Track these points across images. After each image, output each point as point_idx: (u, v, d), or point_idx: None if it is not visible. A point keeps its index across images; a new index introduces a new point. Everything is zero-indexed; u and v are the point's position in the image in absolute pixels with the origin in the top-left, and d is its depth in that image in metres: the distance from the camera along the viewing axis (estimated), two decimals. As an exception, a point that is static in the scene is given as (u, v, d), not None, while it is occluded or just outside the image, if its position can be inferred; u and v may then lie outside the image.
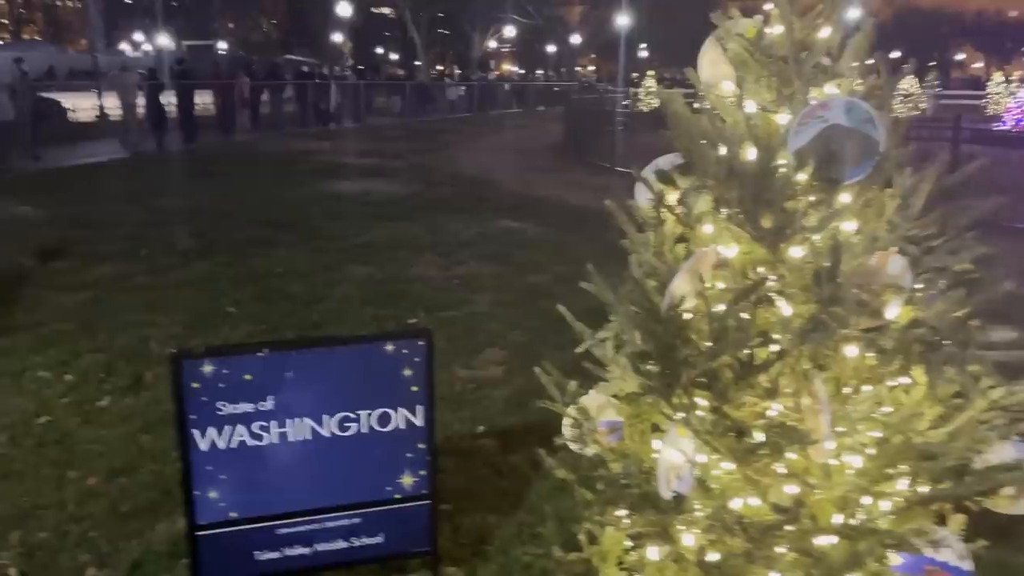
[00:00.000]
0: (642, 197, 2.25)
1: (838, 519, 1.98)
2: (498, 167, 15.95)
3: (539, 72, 66.39)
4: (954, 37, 69.86)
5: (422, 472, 2.62)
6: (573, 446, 2.36)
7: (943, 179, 2.03)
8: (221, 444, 2.42)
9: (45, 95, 21.11)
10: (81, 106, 21.32)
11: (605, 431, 2.30)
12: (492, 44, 59.87)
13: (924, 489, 1.98)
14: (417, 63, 49.84)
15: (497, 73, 64.25)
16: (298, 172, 14.11)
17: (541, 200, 11.71)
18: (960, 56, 73.08)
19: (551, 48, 62.14)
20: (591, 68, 73.86)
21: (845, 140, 1.86)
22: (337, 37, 44.05)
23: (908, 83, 34.76)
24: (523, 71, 69.66)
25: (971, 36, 70.27)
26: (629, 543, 2.19)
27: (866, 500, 1.99)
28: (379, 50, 62.03)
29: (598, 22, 59.80)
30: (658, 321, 2.00)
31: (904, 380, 2.03)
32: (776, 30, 2.05)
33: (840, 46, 2.07)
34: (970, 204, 2.04)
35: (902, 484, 2.01)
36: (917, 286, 1.98)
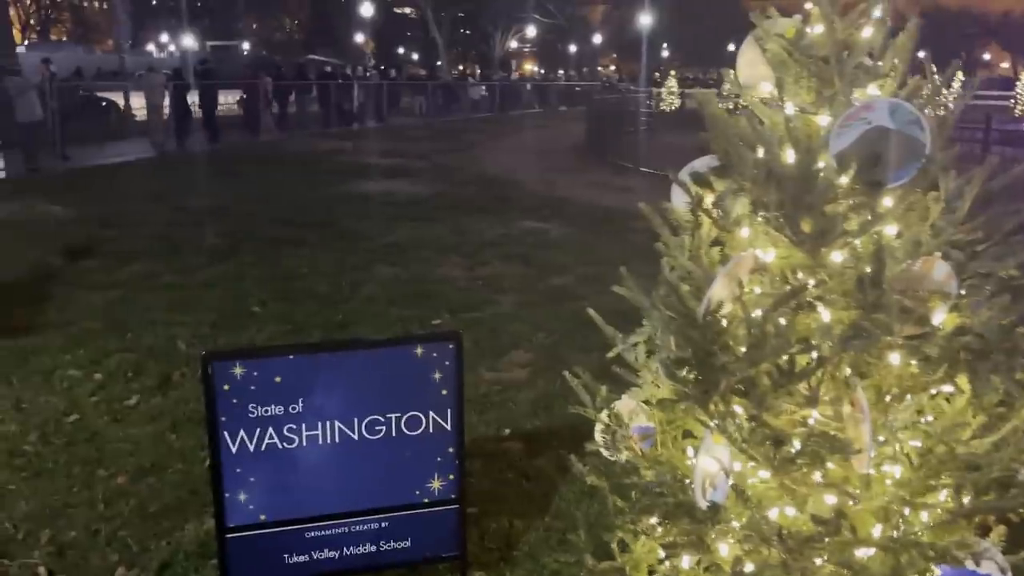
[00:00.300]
0: (678, 199, 2.21)
1: (878, 531, 1.93)
2: (521, 167, 15.94)
3: (560, 72, 66.32)
4: (980, 37, 68.92)
5: (451, 476, 2.61)
6: (605, 452, 2.33)
7: (987, 183, 1.98)
8: (251, 446, 2.42)
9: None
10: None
11: (638, 437, 2.27)
12: (513, 44, 59.91)
13: (967, 500, 1.93)
14: (439, 63, 49.99)
15: (519, 73, 64.24)
16: (322, 172, 14.18)
17: (564, 200, 11.67)
18: (986, 56, 72.06)
19: (572, 48, 62.03)
20: (612, 68, 73.61)
21: (889, 142, 1.81)
22: (359, 37, 44.27)
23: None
24: (544, 71, 69.62)
25: (997, 36, 69.28)
26: (662, 553, 2.16)
27: (907, 511, 1.95)
28: (401, 50, 62.27)
29: (619, 22, 59.66)
30: (695, 327, 1.96)
31: (946, 388, 1.99)
32: (816, 30, 2.01)
33: (882, 46, 2.02)
34: (1017, 208, 1.99)
35: (944, 495, 1.96)
36: (962, 292, 1.93)
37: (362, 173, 14.35)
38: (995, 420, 1.94)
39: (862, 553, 1.90)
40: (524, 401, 4.37)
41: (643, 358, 2.30)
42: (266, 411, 2.41)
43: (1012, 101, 33.42)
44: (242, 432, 2.40)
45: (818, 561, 1.90)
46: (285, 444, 2.45)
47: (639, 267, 2.28)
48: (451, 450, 2.59)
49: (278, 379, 2.41)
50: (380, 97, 27.97)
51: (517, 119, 32.18)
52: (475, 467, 3.48)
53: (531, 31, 55.91)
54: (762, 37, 2.05)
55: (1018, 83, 36.08)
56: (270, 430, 2.43)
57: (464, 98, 34.75)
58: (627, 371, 2.33)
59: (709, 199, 2.15)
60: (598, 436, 2.35)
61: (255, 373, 2.38)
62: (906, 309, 1.86)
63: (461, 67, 59.72)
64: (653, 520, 2.14)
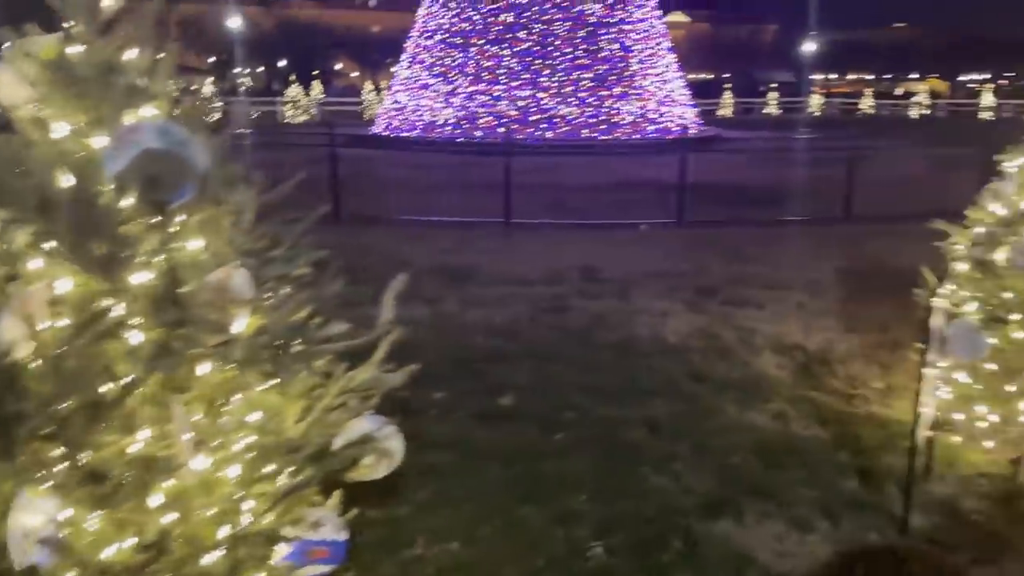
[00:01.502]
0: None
1: (225, 531, 2.01)
2: None
3: None
4: (331, 48, 76.80)
5: None
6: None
7: (270, 194, 2.19)
8: None
9: None
10: None
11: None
12: None
13: (295, 480, 2.14)
14: None
15: None
16: None
17: None
18: (339, 66, 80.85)
19: None
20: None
21: (162, 163, 1.85)
22: None
23: (296, 91, 37.41)
24: None
25: (344, 48, 78.10)
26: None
27: (249, 505, 2.07)
28: None
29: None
30: (-18, 378, 1.75)
31: (270, 384, 2.16)
32: (78, 50, 1.94)
33: (154, 66, 2.06)
34: (297, 215, 2.25)
35: (281, 480, 2.14)
36: (261, 296, 2.11)
37: None
38: (311, 403, 2.19)
39: (209, 559, 1.96)
40: None
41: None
42: None
43: (361, 107, 38.13)
44: None
45: (164, 583, 1.90)
46: None
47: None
48: None
49: None
50: None
51: None
52: None
53: None
54: (17, 58, 1.91)
55: (363, 91, 41.41)
56: None
57: None
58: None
59: (-16, 232, 1.93)
60: None
61: None
62: (209, 320, 1.96)
63: None
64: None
